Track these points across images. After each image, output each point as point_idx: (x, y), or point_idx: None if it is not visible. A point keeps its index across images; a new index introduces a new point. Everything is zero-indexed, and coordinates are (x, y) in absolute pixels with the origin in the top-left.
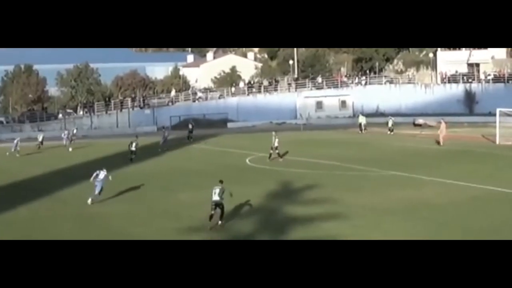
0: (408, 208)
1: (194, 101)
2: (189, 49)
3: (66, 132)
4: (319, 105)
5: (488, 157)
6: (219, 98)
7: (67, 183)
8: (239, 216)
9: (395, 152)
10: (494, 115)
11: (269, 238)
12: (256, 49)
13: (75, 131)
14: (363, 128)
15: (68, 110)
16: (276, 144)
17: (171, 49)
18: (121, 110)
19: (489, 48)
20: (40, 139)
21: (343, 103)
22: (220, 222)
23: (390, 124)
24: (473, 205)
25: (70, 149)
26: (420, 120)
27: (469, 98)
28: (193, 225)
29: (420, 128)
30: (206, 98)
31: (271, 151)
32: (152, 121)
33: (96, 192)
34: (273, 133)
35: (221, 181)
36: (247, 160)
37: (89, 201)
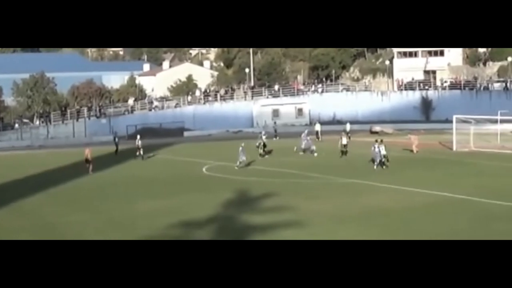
0: (365, 215)
1: (150, 110)
2: (145, 57)
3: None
4: (275, 113)
5: (444, 164)
6: (175, 106)
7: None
8: (196, 225)
9: (352, 159)
10: (451, 121)
11: None
12: (212, 57)
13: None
14: (319, 135)
15: (25, 120)
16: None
17: (127, 57)
18: (77, 120)
19: (445, 55)
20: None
21: (300, 111)
22: (387, 166)
23: (347, 129)
24: (429, 211)
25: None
26: (377, 128)
27: (426, 105)
28: (151, 235)
29: (377, 136)
30: (163, 107)
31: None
32: (108, 130)
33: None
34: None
35: (381, 141)
36: (204, 169)
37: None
